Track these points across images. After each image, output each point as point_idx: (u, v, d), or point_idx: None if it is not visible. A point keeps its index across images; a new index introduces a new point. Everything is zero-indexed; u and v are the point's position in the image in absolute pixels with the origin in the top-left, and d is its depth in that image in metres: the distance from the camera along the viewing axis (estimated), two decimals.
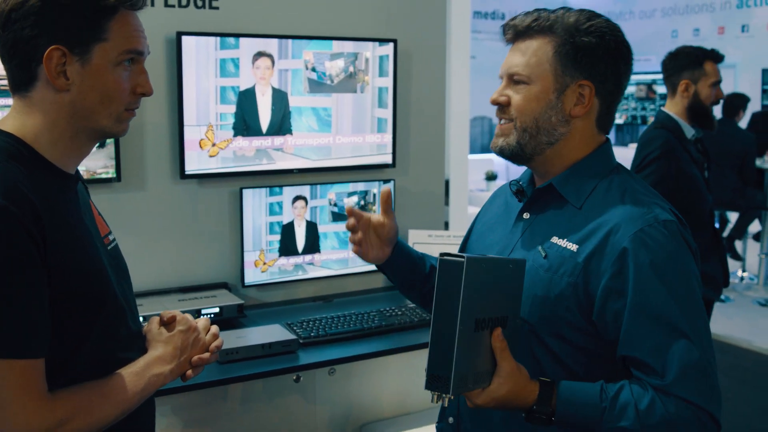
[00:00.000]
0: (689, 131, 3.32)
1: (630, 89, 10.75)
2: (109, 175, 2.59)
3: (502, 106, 1.54)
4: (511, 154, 1.55)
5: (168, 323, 1.53)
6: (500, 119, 1.56)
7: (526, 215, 1.61)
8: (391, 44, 3.02)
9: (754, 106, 7.94)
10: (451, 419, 1.68)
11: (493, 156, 9.60)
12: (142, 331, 1.54)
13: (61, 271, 1.26)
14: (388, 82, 3.05)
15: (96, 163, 2.55)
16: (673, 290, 1.39)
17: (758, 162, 6.66)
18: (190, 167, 2.72)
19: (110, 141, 2.56)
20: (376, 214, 1.74)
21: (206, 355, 1.55)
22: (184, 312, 1.58)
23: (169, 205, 2.73)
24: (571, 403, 1.39)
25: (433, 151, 3.27)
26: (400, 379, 2.64)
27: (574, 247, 1.46)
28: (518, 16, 1.54)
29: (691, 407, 1.36)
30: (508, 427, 1.56)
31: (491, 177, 8.65)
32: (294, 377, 2.41)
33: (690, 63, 3.33)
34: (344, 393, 2.53)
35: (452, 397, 1.34)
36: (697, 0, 10.00)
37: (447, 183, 3.69)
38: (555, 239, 1.51)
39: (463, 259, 1.32)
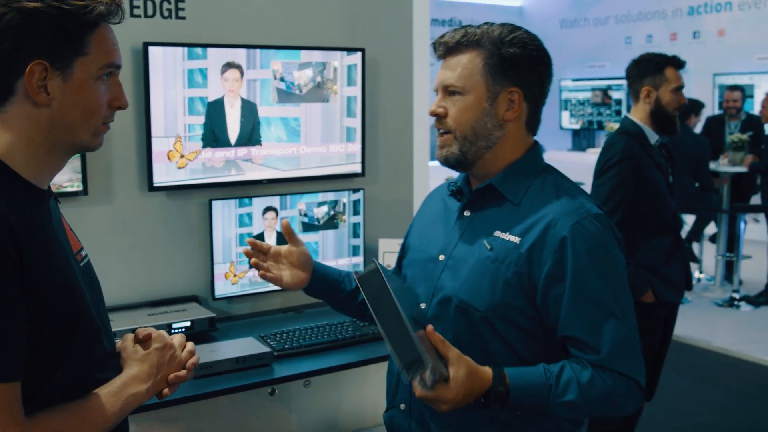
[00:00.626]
0: (653, 137, 3.37)
1: (586, 95, 10.93)
2: (75, 188, 2.54)
3: (440, 117, 1.67)
4: (456, 162, 1.68)
5: (144, 341, 1.50)
6: (439, 129, 1.69)
7: (466, 213, 1.74)
8: (359, 53, 3.02)
9: (707, 110, 8.12)
10: (402, 405, 1.75)
11: None
12: (115, 348, 1.51)
13: (37, 291, 1.23)
14: (356, 91, 3.05)
15: (61, 176, 2.50)
16: (605, 275, 1.57)
17: (712, 165, 6.81)
18: (159, 179, 2.68)
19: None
20: (284, 246, 1.91)
21: (183, 372, 1.52)
22: (155, 327, 1.55)
23: (137, 218, 2.69)
24: (521, 385, 1.53)
25: (402, 160, 3.28)
26: (375, 390, 2.64)
27: (516, 239, 1.61)
28: (446, 33, 1.68)
29: (624, 379, 1.55)
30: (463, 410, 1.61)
31: None
32: (269, 390, 2.39)
33: (651, 69, 3.39)
34: (320, 405, 2.52)
35: (431, 374, 1.44)
36: (649, 7, 10.20)
37: None
38: (498, 233, 1.65)
39: (375, 265, 1.50)
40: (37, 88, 1.28)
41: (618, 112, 10.49)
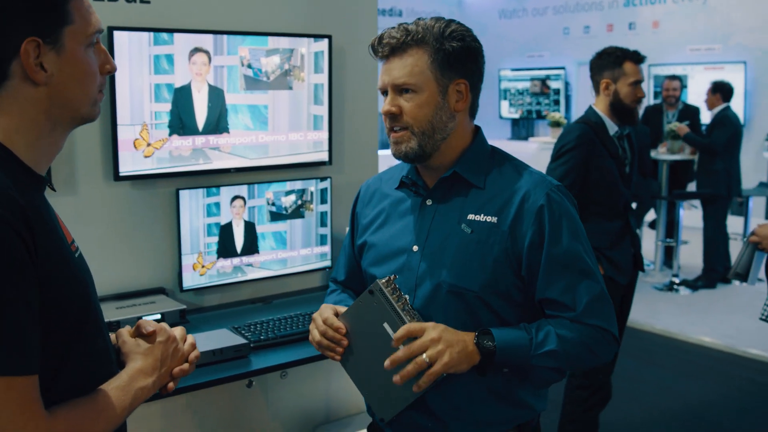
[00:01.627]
0: (612, 128, 3.48)
1: (525, 84, 11.09)
2: None
3: (395, 116, 1.71)
4: (415, 157, 1.72)
5: (148, 335, 1.46)
6: (393, 127, 1.72)
7: (428, 202, 1.78)
8: (326, 40, 2.99)
9: (644, 100, 8.35)
10: None
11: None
12: (111, 342, 1.47)
13: (49, 282, 1.19)
14: (323, 78, 3.01)
15: None
16: (577, 238, 1.69)
17: (652, 154, 7.01)
18: (125, 168, 2.60)
19: None
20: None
21: (186, 366, 1.49)
22: (125, 320, 1.51)
23: (102, 208, 2.60)
24: (504, 341, 1.62)
25: (367, 148, 3.26)
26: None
27: (493, 219, 1.69)
28: (385, 33, 1.70)
29: (599, 330, 1.68)
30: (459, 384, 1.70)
31: None
32: (247, 382, 2.35)
33: (611, 63, 3.49)
34: (296, 395, 2.49)
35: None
36: None
37: None
38: (471, 216, 1.71)
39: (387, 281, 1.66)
40: (34, 67, 1.23)
41: (557, 102, 10.68)
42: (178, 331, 1.53)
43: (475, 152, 1.77)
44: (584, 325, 1.67)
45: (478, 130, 1.82)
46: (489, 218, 1.69)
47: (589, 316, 1.67)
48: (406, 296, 1.69)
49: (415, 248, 1.75)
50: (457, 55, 1.69)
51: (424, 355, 1.56)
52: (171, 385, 1.47)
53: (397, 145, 1.72)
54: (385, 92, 1.73)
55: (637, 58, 3.47)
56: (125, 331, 1.49)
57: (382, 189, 1.92)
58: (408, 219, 1.80)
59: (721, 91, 6.95)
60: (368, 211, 1.92)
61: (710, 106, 7.00)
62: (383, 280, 1.66)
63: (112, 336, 1.49)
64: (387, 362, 1.60)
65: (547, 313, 1.71)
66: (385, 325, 1.64)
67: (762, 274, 2.93)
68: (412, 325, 1.60)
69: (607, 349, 1.71)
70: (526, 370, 1.68)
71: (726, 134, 6.73)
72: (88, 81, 1.30)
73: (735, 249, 7.06)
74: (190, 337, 1.54)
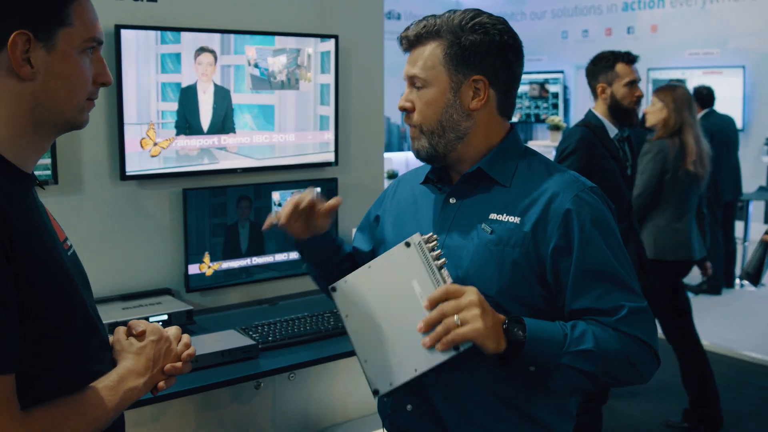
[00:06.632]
0: (612, 130, 3.50)
1: (523, 88, 11.09)
2: (45, 177, 2.42)
3: (408, 112, 1.64)
4: (428, 156, 1.64)
5: (139, 335, 1.43)
6: (408, 124, 1.66)
7: (452, 200, 1.68)
8: (333, 40, 2.98)
9: (643, 103, 8.36)
10: (409, 407, 1.67)
11: (392, 155, 9.70)
12: (109, 341, 1.45)
13: (29, 280, 1.16)
14: (329, 78, 3.00)
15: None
16: (610, 245, 1.55)
17: None
18: (131, 168, 2.58)
19: None
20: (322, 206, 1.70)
21: (179, 364, 1.46)
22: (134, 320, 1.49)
23: (109, 208, 2.59)
24: (537, 331, 1.47)
25: (373, 149, 3.25)
26: (360, 381, 2.60)
27: (516, 219, 1.57)
28: (410, 26, 1.64)
29: (640, 342, 1.52)
30: (484, 407, 1.59)
31: (392, 176, 8.73)
32: (254, 384, 2.33)
33: (604, 66, 3.51)
34: (304, 397, 2.47)
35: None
36: (585, 2, 10.41)
37: None
38: (494, 216, 1.60)
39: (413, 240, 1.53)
40: (20, 60, 1.21)
41: (555, 105, 10.68)
42: (172, 330, 1.50)
43: (503, 150, 1.65)
44: (624, 334, 1.51)
45: (511, 129, 1.70)
46: (512, 218, 1.58)
47: (629, 326, 1.51)
48: (444, 258, 1.53)
49: None
50: (474, 49, 1.57)
51: (456, 317, 1.42)
52: (162, 384, 1.43)
53: (412, 141, 1.66)
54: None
55: (628, 58, 3.49)
56: (121, 329, 1.46)
57: (411, 182, 1.83)
58: (429, 216, 1.72)
59: (697, 98, 6.91)
60: (388, 207, 1.85)
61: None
62: (424, 236, 1.53)
63: (111, 336, 1.47)
64: (421, 324, 1.44)
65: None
66: (414, 282, 1.50)
67: None
68: (452, 286, 1.46)
69: (649, 366, 1.55)
70: (554, 370, 1.50)
71: None
72: (77, 85, 1.28)
73: (740, 254, 7.09)
74: (185, 337, 1.51)
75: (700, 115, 6.87)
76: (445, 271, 1.49)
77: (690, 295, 6.68)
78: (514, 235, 1.56)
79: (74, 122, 1.32)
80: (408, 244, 1.53)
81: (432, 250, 1.51)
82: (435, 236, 1.54)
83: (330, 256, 1.82)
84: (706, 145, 4.13)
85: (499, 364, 1.51)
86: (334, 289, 1.61)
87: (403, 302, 1.50)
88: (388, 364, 1.51)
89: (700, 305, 6.49)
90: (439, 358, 1.43)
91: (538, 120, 10.85)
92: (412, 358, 1.47)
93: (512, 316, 1.48)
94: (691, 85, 9.13)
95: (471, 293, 1.45)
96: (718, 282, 6.84)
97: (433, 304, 1.45)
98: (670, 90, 4.36)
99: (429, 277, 1.49)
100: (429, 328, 1.45)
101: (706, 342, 5.48)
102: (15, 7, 1.19)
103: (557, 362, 1.48)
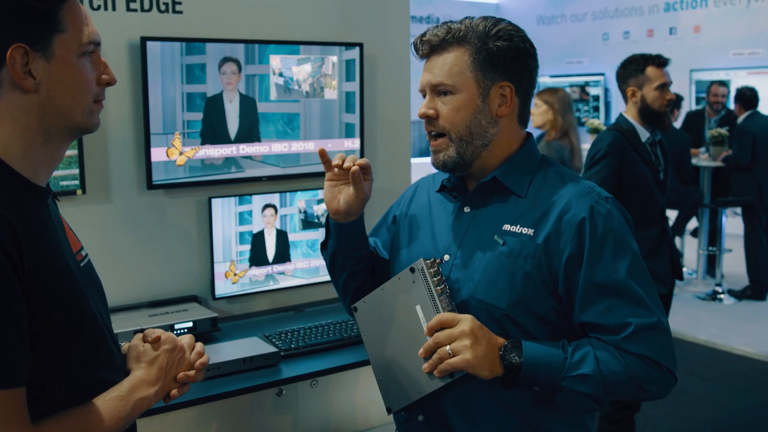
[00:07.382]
0: (644, 134, 3.46)
1: None
2: (73, 187, 2.47)
3: (431, 119, 1.61)
4: (454, 166, 1.61)
5: (153, 343, 1.45)
6: (430, 132, 1.62)
7: (467, 209, 1.67)
8: (357, 48, 2.99)
9: (684, 105, 8.20)
10: (420, 417, 1.67)
11: (426, 159, 9.67)
12: (120, 350, 1.46)
13: (38, 293, 1.18)
14: (354, 86, 3.01)
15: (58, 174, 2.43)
16: (624, 258, 1.51)
17: (693, 160, 6.87)
18: (158, 177, 2.62)
19: (74, 151, 2.45)
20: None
21: (192, 372, 1.47)
22: (157, 328, 1.50)
23: (136, 217, 2.63)
24: (533, 357, 1.47)
25: (400, 156, 3.25)
26: None
27: (530, 231, 1.55)
28: (428, 31, 1.61)
29: (648, 361, 1.49)
30: (495, 419, 1.59)
31: None
32: (276, 391, 2.34)
33: (634, 70, 3.49)
34: (326, 405, 2.48)
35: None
36: (626, 3, 10.27)
37: None
38: (507, 227, 1.58)
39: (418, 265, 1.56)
40: (22, 74, 1.22)
41: (596, 108, 10.55)
42: (186, 339, 1.51)
43: (519, 159, 1.64)
44: (629, 354, 1.49)
45: (528, 137, 1.69)
46: (525, 230, 1.56)
47: (635, 345, 1.49)
48: (446, 284, 1.56)
49: (447, 257, 1.64)
50: (501, 55, 1.56)
51: (448, 347, 1.46)
52: (174, 392, 1.45)
53: (435, 154, 1.62)
54: (424, 93, 1.63)
55: (659, 61, 3.44)
56: (140, 335, 1.47)
57: (428, 189, 1.81)
58: (444, 225, 1.70)
59: (740, 99, 6.78)
60: (404, 213, 1.83)
61: (738, 116, 6.86)
62: (428, 261, 1.56)
63: (125, 345, 1.49)
64: (421, 350, 1.49)
65: (590, 336, 1.55)
66: (418, 307, 1.54)
67: None
68: (445, 315, 1.49)
69: (660, 384, 1.52)
70: (557, 392, 1.51)
71: (744, 146, 6.55)
72: (81, 89, 1.29)
73: None
74: (198, 345, 1.52)
75: (743, 116, 6.73)
76: (444, 298, 1.53)
77: (734, 300, 6.56)
78: (527, 246, 1.55)
79: (84, 126, 1.33)
80: (413, 270, 1.57)
81: (435, 275, 1.55)
82: (438, 260, 1.58)
83: (355, 247, 1.79)
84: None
85: (501, 386, 1.53)
86: (355, 309, 1.69)
87: (410, 326, 1.56)
88: (398, 384, 1.58)
89: (744, 311, 6.34)
90: (437, 383, 1.50)
91: (579, 123, 10.71)
92: (416, 380, 1.54)
93: (512, 340, 1.51)
94: (734, 86, 8.95)
95: (464, 323, 1.48)
96: (763, 287, 6.67)
97: (431, 332, 1.50)
98: (553, 92, 4.69)
99: (430, 303, 1.54)
100: (427, 354, 1.50)
101: (750, 349, 5.36)
102: (7, 22, 1.20)
103: (558, 384, 1.49)
